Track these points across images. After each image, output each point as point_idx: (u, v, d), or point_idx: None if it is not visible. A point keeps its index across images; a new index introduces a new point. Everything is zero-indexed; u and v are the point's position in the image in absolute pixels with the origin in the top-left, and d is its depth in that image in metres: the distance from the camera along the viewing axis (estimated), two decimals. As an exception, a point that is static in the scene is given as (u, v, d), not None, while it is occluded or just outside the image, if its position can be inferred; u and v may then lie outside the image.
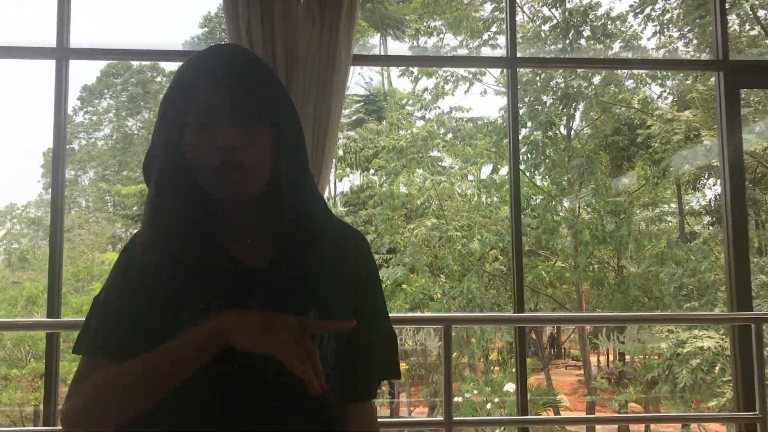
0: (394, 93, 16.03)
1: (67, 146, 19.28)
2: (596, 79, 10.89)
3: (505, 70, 4.10)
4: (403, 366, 12.55)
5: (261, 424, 1.01)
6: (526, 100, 11.08)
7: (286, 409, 1.02)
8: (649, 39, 10.81)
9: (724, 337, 8.13)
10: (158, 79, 17.63)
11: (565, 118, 11.35)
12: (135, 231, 1.14)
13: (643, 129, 9.91)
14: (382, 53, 15.46)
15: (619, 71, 10.81)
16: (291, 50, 3.60)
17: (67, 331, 4.92)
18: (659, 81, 10.65)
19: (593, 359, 16.61)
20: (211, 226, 1.09)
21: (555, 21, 10.72)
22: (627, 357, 13.82)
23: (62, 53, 3.66)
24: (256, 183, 1.05)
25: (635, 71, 10.66)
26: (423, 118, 13.16)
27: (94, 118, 18.60)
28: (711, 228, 11.08)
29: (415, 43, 13.09)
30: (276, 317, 0.93)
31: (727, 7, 3.88)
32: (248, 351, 0.92)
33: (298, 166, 1.09)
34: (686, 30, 10.55)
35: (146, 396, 0.97)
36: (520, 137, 11.20)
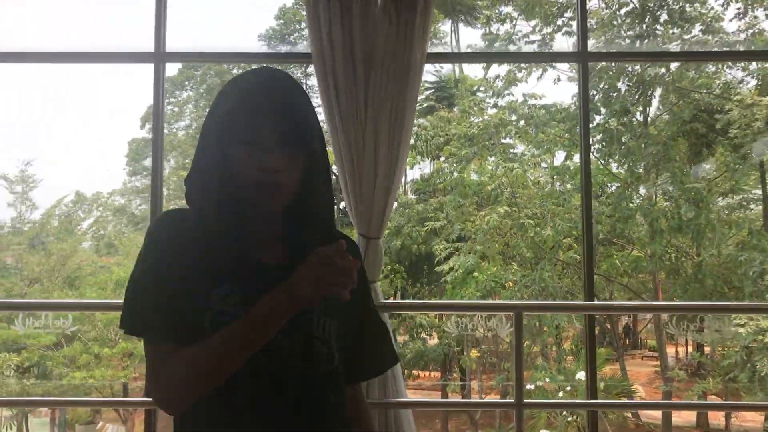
0: (465, 80, 16.08)
1: (149, 136, 20.26)
2: (674, 65, 10.66)
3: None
4: (474, 353, 12.72)
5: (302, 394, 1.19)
6: (600, 87, 10.95)
7: (299, 386, 1.19)
8: (731, 20, 10.45)
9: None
10: (234, 70, 18.22)
11: (640, 105, 11.17)
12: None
13: (722, 114, 9.66)
14: (454, 40, 15.56)
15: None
16: (369, 51, 3.82)
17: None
18: (741, 65, 10.33)
19: (671, 350, 16.31)
20: (240, 229, 1.21)
21: (631, 5, 10.54)
22: (707, 348, 13.53)
23: (160, 57, 4.01)
24: (287, 199, 1.21)
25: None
26: (495, 105, 13.19)
27: (176, 109, 19.41)
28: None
29: (487, 30, 13.12)
30: (312, 264, 1.09)
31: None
32: (320, 298, 1.10)
33: (323, 184, 1.25)
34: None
35: (238, 361, 1.13)
36: (594, 125, 11.16)
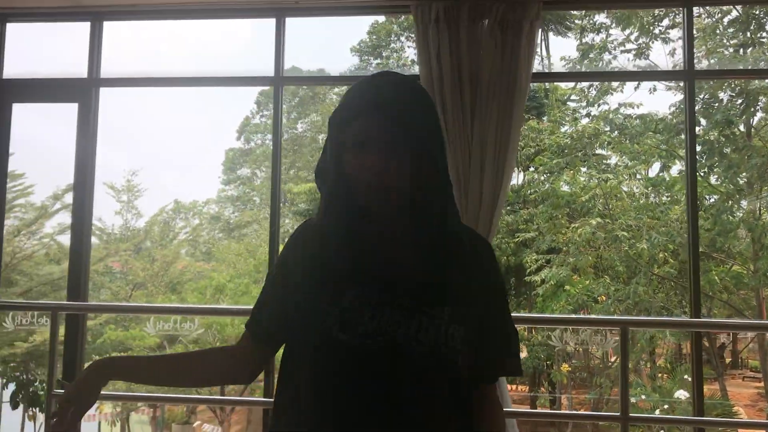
0: (555, 89, 15.97)
1: (245, 146, 21.05)
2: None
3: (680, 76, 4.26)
4: (565, 367, 12.61)
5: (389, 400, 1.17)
6: (701, 97, 10.72)
7: (420, 392, 1.19)
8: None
9: None
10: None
11: (744, 115, 10.86)
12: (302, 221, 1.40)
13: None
14: (544, 50, 15.49)
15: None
16: (475, 72, 4.03)
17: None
18: None
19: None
20: (363, 229, 1.25)
21: (734, 13, 10.28)
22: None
23: (279, 81, 4.36)
24: (398, 199, 1.22)
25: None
26: (588, 114, 13.08)
27: (269, 121, 20.17)
28: None
29: (581, 40, 13.03)
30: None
31: None
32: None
33: (439, 183, 1.24)
34: None
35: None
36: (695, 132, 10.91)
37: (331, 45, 22.98)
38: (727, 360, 19.25)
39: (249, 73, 4.54)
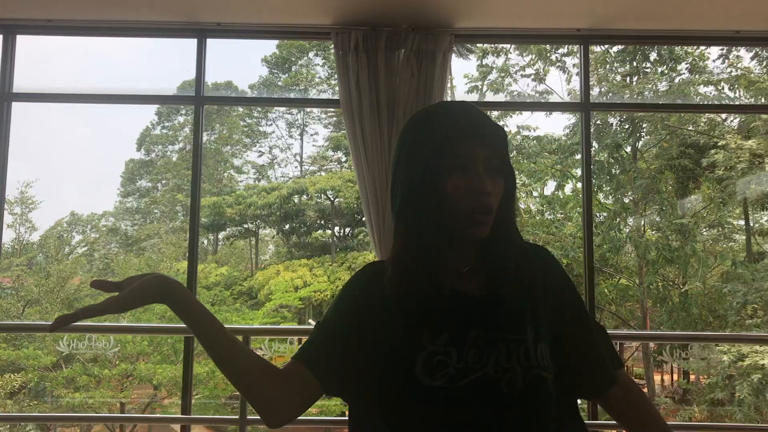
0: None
1: (145, 158, 20.52)
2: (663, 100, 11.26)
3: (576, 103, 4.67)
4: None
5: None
6: (593, 121, 11.52)
7: (523, 420, 1.12)
8: (714, 61, 11.14)
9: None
10: (231, 95, 18.67)
11: (631, 139, 11.75)
12: (369, 261, 1.35)
13: (708, 157, 10.28)
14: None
15: (688, 92, 11.15)
16: (392, 98, 4.27)
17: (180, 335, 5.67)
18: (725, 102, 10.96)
19: (657, 378, 16.75)
20: (438, 261, 1.19)
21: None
22: (692, 376, 13.98)
23: (200, 101, 4.45)
24: (491, 226, 1.18)
25: (703, 90, 10.98)
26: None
27: (170, 132, 19.77)
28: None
29: (481, 62, 13.64)
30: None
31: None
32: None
33: (514, 211, 1.24)
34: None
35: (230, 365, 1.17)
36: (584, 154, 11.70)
37: (241, 57, 22.85)
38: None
39: (152, 90, 4.61)
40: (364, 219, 4.22)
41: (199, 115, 4.49)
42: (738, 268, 10.11)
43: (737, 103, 10.88)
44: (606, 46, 11.26)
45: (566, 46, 11.50)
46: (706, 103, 10.74)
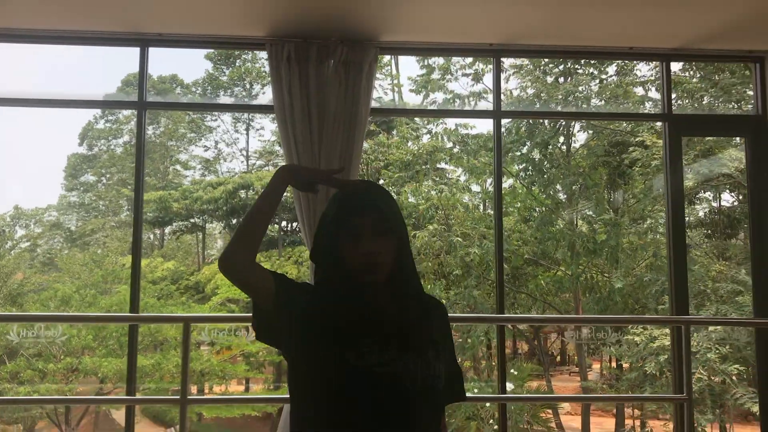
0: (404, 106, 17.10)
1: (88, 152, 20.42)
2: (593, 101, 11.99)
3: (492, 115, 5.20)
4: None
5: (393, 411, 1.51)
6: (529, 121, 12.19)
7: (410, 399, 1.53)
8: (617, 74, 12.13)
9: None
10: (177, 90, 18.77)
11: (562, 137, 12.45)
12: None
13: (627, 154, 11.07)
14: (393, 68, 16.59)
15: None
16: (322, 106, 4.71)
17: (145, 324, 6.02)
18: (650, 103, 11.75)
19: (597, 366, 17.67)
20: (358, 297, 1.62)
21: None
22: (626, 364, 14.81)
23: (142, 106, 4.82)
24: (384, 274, 1.59)
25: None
26: (429, 132, 14.25)
27: (114, 126, 19.77)
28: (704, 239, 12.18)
29: (425, 62, 14.14)
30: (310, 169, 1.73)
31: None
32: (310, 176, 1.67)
33: (410, 261, 1.65)
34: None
35: (258, 221, 1.61)
36: (520, 154, 12.37)
37: (186, 51, 22.88)
38: (557, 358, 21.42)
39: (94, 89, 4.95)
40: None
41: (142, 119, 4.86)
42: (658, 259, 10.90)
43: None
44: (516, 59, 11.99)
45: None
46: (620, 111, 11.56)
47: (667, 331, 9.14)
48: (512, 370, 12.03)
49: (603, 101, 11.94)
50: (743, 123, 5.43)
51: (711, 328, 9.07)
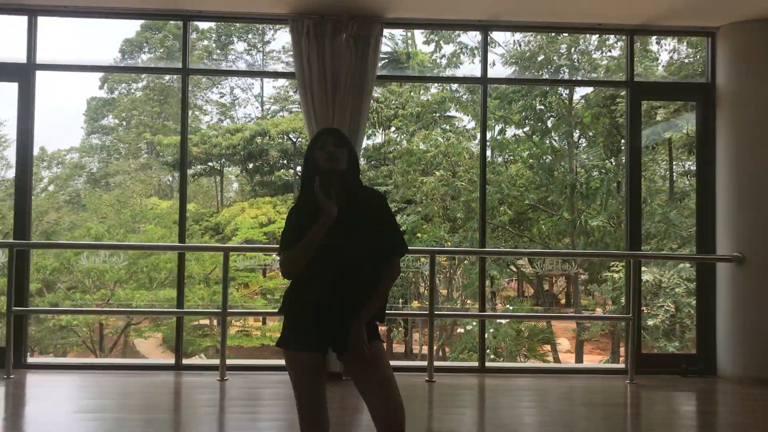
0: (416, 55, 17.97)
1: (109, 96, 21.46)
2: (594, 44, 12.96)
3: (479, 84, 6.26)
4: (415, 304, 14.93)
5: (346, 273, 2.58)
6: (532, 71, 13.14)
7: (356, 266, 2.60)
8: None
9: (655, 271, 10.61)
10: (193, 35, 19.62)
11: (563, 89, 13.43)
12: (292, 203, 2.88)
13: (616, 106, 12.10)
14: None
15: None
16: (336, 73, 5.79)
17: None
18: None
19: (599, 311, 18.87)
20: (323, 187, 2.54)
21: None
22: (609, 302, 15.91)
23: (186, 72, 5.91)
24: (341, 165, 2.60)
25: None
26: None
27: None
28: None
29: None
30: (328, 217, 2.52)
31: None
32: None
33: (355, 165, 2.70)
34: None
35: (304, 255, 2.57)
36: (521, 104, 13.34)
37: None
38: (562, 301, 22.70)
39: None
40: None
41: (185, 84, 5.99)
42: (648, 205, 11.99)
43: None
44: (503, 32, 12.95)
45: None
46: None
47: (644, 269, 10.37)
48: (509, 306, 13.28)
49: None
50: (694, 89, 6.47)
51: (680, 265, 10.22)
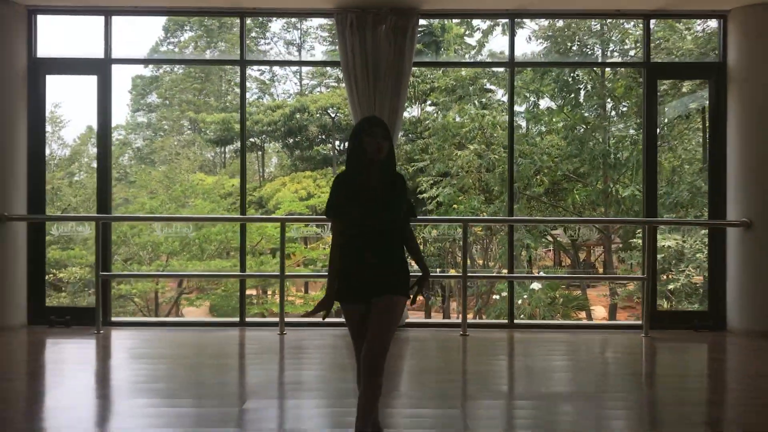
0: (451, 29, 18.53)
1: (153, 73, 22.46)
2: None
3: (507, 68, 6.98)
4: (451, 271, 15.75)
5: (377, 245, 3.33)
6: (562, 47, 13.73)
7: (387, 232, 3.37)
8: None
9: (677, 238, 11.26)
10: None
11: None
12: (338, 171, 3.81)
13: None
14: None
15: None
16: (376, 61, 6.58)
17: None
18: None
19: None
20: (364, 174, 3.35)
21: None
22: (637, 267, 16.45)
23: (243, 63, 6.76)
24: (383, 155, 3.31)
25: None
26: (479, 51, 15.82)
27: (176, 50, 21.71)
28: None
29: None
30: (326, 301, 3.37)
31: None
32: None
33: (394, 155, 3.44)
34: None
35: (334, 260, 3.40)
36: (554, 74, 13.92)
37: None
38: (600, 270, 23.29)
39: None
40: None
41: (244, 74, 6.84)
42: (675, 175, 12.58)
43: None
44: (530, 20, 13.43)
45: None
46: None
47: (667, 235, 11.02)
48: (542, 273, 14.01)
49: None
50: (707, 68, 7.10)
51: (702, 231, 10.82)
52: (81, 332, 6.65)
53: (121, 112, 23.19)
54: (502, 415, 4.31)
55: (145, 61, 7.41)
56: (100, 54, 6.83)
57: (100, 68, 6.83)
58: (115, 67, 6.89)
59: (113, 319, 7.10)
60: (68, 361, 5.72)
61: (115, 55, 6.92)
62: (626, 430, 4.11)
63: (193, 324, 7.36)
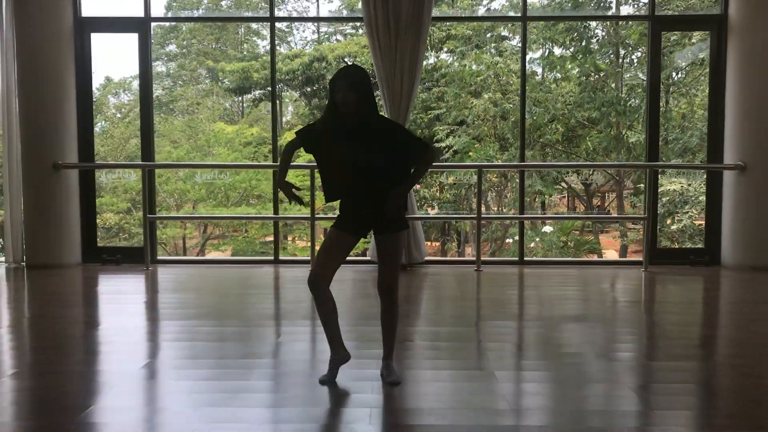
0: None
1: (169, 24, 22.93)
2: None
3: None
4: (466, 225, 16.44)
5: (366, 178, 3.52)
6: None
7: (373, 173, 3.52)
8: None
9: (683, 182, 11.86)
10: None
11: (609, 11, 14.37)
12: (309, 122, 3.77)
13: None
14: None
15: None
16: (397, 15, 7.14)
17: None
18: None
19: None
20: (338, 120, 3.50)
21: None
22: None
23: (273, 20, 7.35)
24: (352, 107, 3.41)
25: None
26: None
27: (195, 0, 22.12)
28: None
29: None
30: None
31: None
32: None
33: (370, 104, 3.46)
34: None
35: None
36: (568, 24, 14.32)
37: None
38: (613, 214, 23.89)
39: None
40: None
41: (273, 31, 7.43)
42: (686, 120, 13.10)
43: None
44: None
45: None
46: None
47: (672, 179, 11.64)
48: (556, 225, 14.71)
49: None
50: (708, 21, 7.62)
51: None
52: (131, 269, 7.44)
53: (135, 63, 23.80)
54: (513, 332, 5.02)
55: (183, 19, 7.88)
56: (140, 13, 7.43)
57: (140, 26, 7.45)
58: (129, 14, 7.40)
59: (159, 257, 7.86)
60: (123, 292, 6.51)
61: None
62: (624, 345, 4.81)
63: (232, 261, 8.12)
